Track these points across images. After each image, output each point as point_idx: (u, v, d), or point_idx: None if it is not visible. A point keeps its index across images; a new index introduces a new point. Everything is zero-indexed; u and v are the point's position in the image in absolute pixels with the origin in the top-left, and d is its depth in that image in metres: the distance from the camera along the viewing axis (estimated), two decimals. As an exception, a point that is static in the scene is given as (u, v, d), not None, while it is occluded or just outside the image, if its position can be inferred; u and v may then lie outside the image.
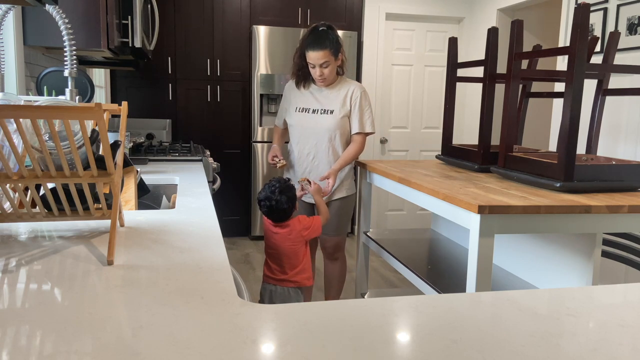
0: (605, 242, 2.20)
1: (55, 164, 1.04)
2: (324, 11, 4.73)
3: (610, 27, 3.26)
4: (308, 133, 2.60)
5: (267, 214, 2.24)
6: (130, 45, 2.66)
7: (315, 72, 2.53)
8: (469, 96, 4.99)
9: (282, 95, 4.60)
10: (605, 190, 1.88)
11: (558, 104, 3.73)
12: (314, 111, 2.60)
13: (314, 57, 2.48)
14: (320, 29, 2.53)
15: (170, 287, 0.88)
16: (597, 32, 3.35)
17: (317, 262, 2.97)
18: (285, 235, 2.24)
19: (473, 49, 4.93)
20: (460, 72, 2.59)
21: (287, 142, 2.78)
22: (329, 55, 2.48)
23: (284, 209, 2.20)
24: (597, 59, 3.24)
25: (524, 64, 2.62)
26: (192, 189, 1.90)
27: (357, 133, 2.61)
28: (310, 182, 2.51)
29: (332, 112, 2.57)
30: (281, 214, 2.21)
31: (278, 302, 2.22)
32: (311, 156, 2.61)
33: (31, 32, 2.26)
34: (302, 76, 2.62)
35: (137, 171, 1.63)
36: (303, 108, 2.63)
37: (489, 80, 2.26)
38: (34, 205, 1.22)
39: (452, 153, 2.57)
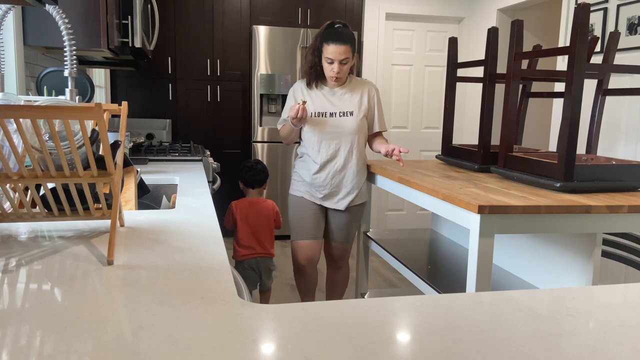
0: (605, 242, 2.20)
1: (55, 164, 1.04)
2: (324, 11, 4.73)
3: (610, 27, 3.26)
4: (329, 138, 2.45)
5: (252, 176, 2.85)
6: (130, 45, 2.66)
7: (332, 68, 2.36)
8: (469, 96, 4.99)
9: (281, 95, 4.66)
10: (605, 190, 1.88)
11: (558, 104, 3.73)
12: (331, 114, 2.45)
13: (335, 51, 2.32)
14: (337, 25, 2.40)
15: (170, 287, 0.88)
16: (597, 32, 3.35)
17: (319, 264, 2.96)
18: (266, 207, 2.83)
19: (473, 49, 4.93)
20: (460, 72, 2.60)
21: (297, 143, 2.61)
22: (350, 52, 2.35)
23: (263, 177, 2.91)
24: (597, 59, 3.24)
25: (524, 64, 2.62)
26: (192, 189, 1.89)
27: (380, 132, 2.59)
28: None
29: (351, 113, 2.45)
30: (261, 179, 2.89)
31: (269, 266, 2.82)
32: (333, 161, 2.46)
33: (31, 32, 2.26)
34: (315, 74, 2.45)
35: (137, 171, 1.63)
36: (318, 112, 2.46)
37: (489, 80, 2.26)
38: (34, 205, 1.22)
39: (452, 153, 2.57)
